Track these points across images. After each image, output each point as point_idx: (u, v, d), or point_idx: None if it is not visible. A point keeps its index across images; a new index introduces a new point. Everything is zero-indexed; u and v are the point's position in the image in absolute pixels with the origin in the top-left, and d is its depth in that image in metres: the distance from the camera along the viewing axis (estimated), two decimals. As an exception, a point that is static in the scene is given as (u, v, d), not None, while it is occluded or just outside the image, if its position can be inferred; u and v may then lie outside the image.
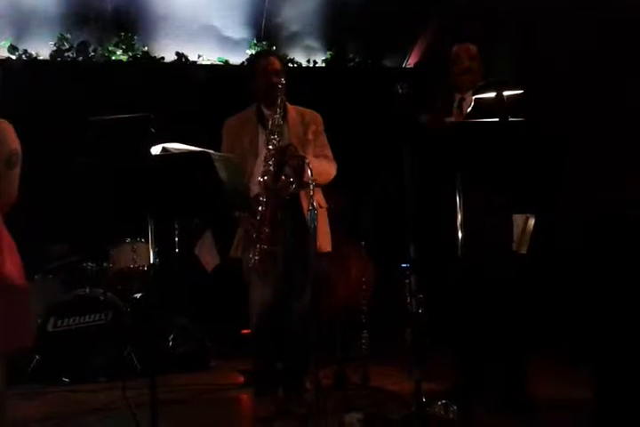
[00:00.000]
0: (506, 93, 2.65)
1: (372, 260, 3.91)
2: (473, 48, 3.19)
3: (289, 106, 3.11)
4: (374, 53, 5.58)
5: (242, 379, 3.84)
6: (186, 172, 2.20)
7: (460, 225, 2.60)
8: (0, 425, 2.38)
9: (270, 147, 2.89)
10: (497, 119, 2.52)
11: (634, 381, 2.56)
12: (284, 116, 3.02)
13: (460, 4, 5.03)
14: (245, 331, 4.70)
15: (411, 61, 5.70)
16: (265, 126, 3.03)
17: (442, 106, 3.20)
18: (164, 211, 2.31)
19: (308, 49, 5.40)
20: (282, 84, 2.98)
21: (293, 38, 5.33)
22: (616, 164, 3.69)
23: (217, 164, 2.17)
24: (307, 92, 3.33)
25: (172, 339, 4.23)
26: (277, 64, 3.10)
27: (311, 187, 2.36)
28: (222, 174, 2.18)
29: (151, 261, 2.40)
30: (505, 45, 4.24)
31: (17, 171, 2.38)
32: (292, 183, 2.77)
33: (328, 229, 3.13)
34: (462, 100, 3.17)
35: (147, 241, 4.44)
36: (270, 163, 2.85)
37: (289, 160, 2.72)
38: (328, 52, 5.49)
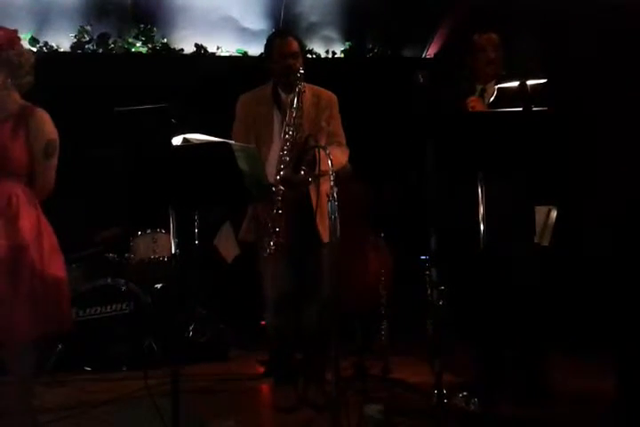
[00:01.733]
0: (529, 83, 2.61)
1: (392, 251, 3.89)
2: (496, 38, 3.15)
3: (305, 86, 2.96)
4: (393, 44, 5.53)
5: (261, 369, 3.86)
6: (206, 162, 2.20)
7: (482, 216, 2.57)
8: (27, 412, 2.43)
9: (287, 137, 2.84)
10: (520, 109, 2.49)
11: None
12: (300, 108, 2.92)
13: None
14: (264, 322, 4.74)
15: (430, 51, 5.65)
16: (280, 109, 2.95)
17: (463, 95, 3.16)
18: (185, 201, 2.31)
19: (327, 40, 5.36)
20: (300, 72, 2.87)
21: (312, 29, 5.29)
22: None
23: (237, 154, 2.16)
24: (325, 82, 3.29)
25: (193, 329, 4.26)
26: (294, 45, 2.96)
27: (331, 177, 2.34)
28: (242, 165, 2.18)
29: (172, 252, 2.41)
30: (527, 34, 4.18)
31: (54, 161, 2.44)
32: (308, 177, 2.74)
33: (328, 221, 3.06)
34: (484, 90, 3.13)
35: (167, 232, 4.52)
36: (286, 153, 2.81)
37: (307, 153, 2.69)
38: (347, 43, 5.45)
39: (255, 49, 5.26)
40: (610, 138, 3.61)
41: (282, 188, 2.75)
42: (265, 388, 3.55)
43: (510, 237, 2.89)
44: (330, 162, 2.34)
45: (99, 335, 4.02)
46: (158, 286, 4.41)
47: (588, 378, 3.22)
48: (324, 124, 2.93)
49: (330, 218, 2.35)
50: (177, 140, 2.25)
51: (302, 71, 2.91)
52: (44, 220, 2.42)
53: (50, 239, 2.41)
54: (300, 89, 2.86)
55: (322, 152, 2.46)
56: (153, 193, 2.28)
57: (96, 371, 3.91)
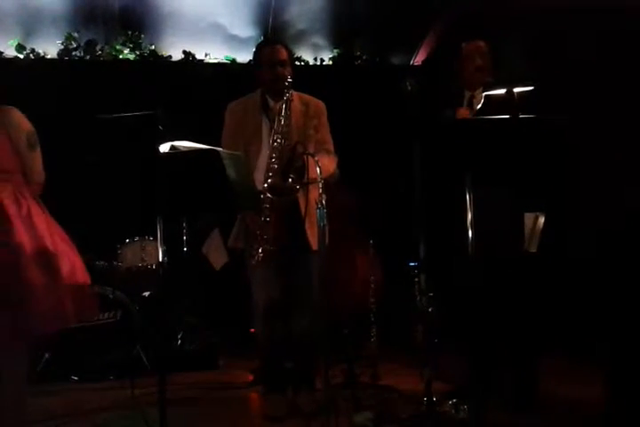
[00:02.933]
0: (516, 90, 2.63)
1: (381, 258, 3.89)
2: (483, 45, 3.16)
3: (294, 94, 2.96)
4: (381, 51, 5.55)
5: (251, 378, 3.84)
6: (194, 169, 2.19)
7: (471, 223, 2.57)
8: (20, 421, 2.43)
9: (275, 145, 2.84)
10: (507, 116, 2.49)
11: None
12: (288, 116, 2.91)
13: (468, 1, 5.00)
14: (254, 329, 4.72)
15: (418, 59, 5.67)
16: (269, 117, 2.95)
17: (452, 103, 3.18)
18: (173, 208, 2.29)
19: (315, 47, 5.37)
20: (289, 80, 2.87)
21: (300, 36, 5.30)
22: (630, 166, 3.66)
23: (225, 162, 2.16)
24: (314, 90, 3.29)
25: (181, 337, 4.23)
26: (283, 54, 2.96)
27: (320, 185, 2.34)
28: (231, 172, 2.17)
29: (160, 260, 2.39)
30: (515, 40, 4.20)
31: (39, 151, 2.52)
32: (296, 185, 2.73)
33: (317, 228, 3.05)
34: (472, 97, 3.15)
35: (155, 239, 4.49)
36: (274, 161, 2.81)
37: (295, 160, 2.68)
38: (335, 50, 5.47)
39: (243, 56, 5.27)
40: (595, 144, 3.64)
41: (270, 195, 2.73)
42: (255, 396, 3.53)
43: (499, 243, 2.89)
44: (318, 169, 2.34)
45: (86, 344, 3.99)
46: (146, 293, 4.38)
47: (577, 384, 3.23)
48: (312, 131, 2.92)
49: (319, 225, 2.34)
50: (164, 148, 2.24)
51: (290, 79, 2.90)
52: (51, 220, 2.53)
53: (59, 232, 2.51)
54: (288, 97, 2.85)
55: (310, 159, 2.46)
56: (141, 200, 2.27)
57: (83, 380, 3.88)
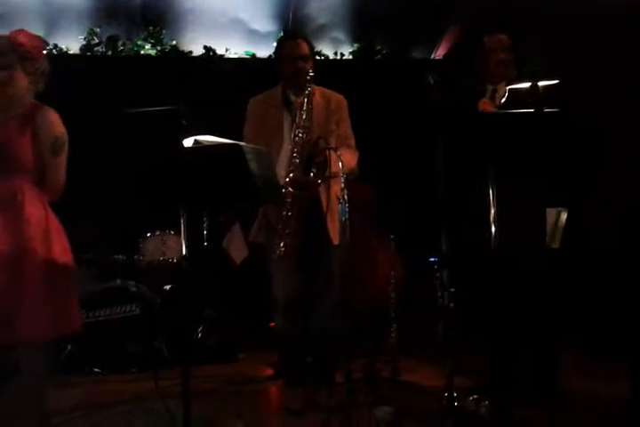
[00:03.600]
0: (540, 84, 2.60)
1: (401, 253, 3.88)
2: (506, 39, 3.14)
3: (315, 89, 2.97)
4: (402, 45, 5.53)
5: (271, 371, 3.85)
6: (217, 164, 2.19)
7: (494, 218, 2.56)
8: (40, 414, 2.43)
9: (297, 140, 2.84)
10: (532, 110, 2.48)
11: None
12: (310, 110, 2.92)
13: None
14: (274, 324, 4.73)
15: (439, 53, 5.64)
16: (290, 111, 2.95)
17: (475, 96, 3.15)
18: (196, 203, 2.30)
19: (335, 41, 5.36)
20: (310, 74, 2.87)
21: (320, 31, 5.29)
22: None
23: (248, 156, 2.16)
24: (334, 84, 3.28)
25: (202, 331, 4.25)
26: (305, 48, 2.96)
27: (342, 180, 2.34)
28: (253, 167, 2.17)
29: (183, 254, 2.41)
30: (535, 35, 4.16)
31: (63, 158, 2.42)
32: (318, 179, 2.74)
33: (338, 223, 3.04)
34: (495, 91, 3.13)
35: (176, 233, 4.53)
36: (296, 155, 2.81)
37: (317, 155, 2.68)
38: (355, 45, 5.45)
39: (263, 51, 5.28)
40: (616, 138, 3.59)
41: (291, 189, 2.74)
42: (274, 390, 3.53)
43: (523, 238, 2.87)
44: (341, 164, 2.34)
45: (108, 337, 4.02)
46: (167, 287, 4.41)
47: (601, 380, 3.19)
48: (333, 126, 2.92)
49: (340, 220, 2.34)
50: (188, 142, 2.25)
51: (312, 73, 2.90)
52: (53, 219, 2.40)
53: (59, 239, 2.39)
54: (309, 91, 2.85)
55: (333, 154, 2.46)
56: (164, 194, 2.28)
57: (106, 373, 3.92)
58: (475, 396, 2.87)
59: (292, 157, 2.80)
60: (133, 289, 4.13)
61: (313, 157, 2.68)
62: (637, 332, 2.72)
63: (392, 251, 3.61)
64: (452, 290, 2.91)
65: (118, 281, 4.18)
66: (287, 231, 2.75)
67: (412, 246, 3.95)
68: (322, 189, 2.80)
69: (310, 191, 2.76)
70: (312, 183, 2.74)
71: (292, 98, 2.99)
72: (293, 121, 2.89)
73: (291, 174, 2.74)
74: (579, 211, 3.32)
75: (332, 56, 5.42)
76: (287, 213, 2.75)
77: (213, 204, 2.39)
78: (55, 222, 2.41)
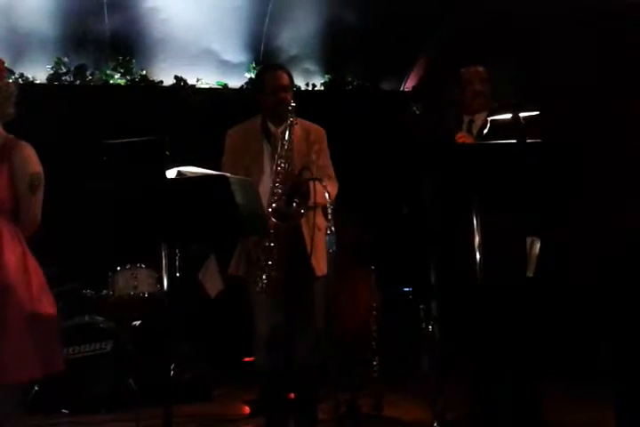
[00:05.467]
0: (521, 115, 2.63)
1: (381, 284, 3.83)
2: (483, 71, 3.17)
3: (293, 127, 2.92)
4: (372, 77, 5.59)
5: (247, 409, 3.74)
6: (203, 195, 2.13)
7: (478, 247, 2.54)
8: None
9: (279, 169, 2.79)
10: (514, 141, 2.48)
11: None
12: (291, 140, 2.86)
13: (458, 27, 5.07)
14: (248, 359, 4.61)
15: (408, 85, 5.71)
16: (270, 142, 2.91)
17: (452, 127, 3.17)
18: (180, 235, 2.23)
19: (307, 72, 5.39)
20: (292, 105, 2.85)
21: (292, 62, 5.30)
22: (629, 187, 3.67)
23: (234, 187, 2.10)
24: (306, 115, 3.26)
25: (174, 368, 4.11)
26: (286, 79, 2.95)
27: (329, 210, 2.29)
28: (239, 199, 2.11)
29: (163, 288, 2.32)
30: (508, 64, 4.23)
31: (40, 196, 2.35)
32: (301, 209, 2.69)
33: (325, 253, 2.99)
34: (471, 121, 3.15)
35: (147, 267, 4.41)
36: (278, 186, 2.76)
37: (301, 185, 2.64)
38: (326, 76, 5.49)
39: (235, 81, 5.27)
40: (596, 167, 3.65)
41: (274, 220, 2.68)
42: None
43: (505, 268, 2.86)
44: (327, 195, 2.30)
45: (76, 376, 3.84)
46: (137, 323, 4.27)
47: (585, 411, 3.17)
48: (313, 156, 2.89)
49: (328, 252, 2.29)
50: (171, 173, 2.18)
51: (294, 104, 2.88)
52: (30, 256, 2.32)
53: (37, 276, 2.31)
54: (291, 121, 2.82)
55: (318, 185, 2.42)
56: (147, 226, 2.19)
57: (74, 413, 3.74)
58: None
59: (274, 188, 2.74)
60: (103, 325, 3.98)
61: (296, 188, 2.63)
62: (619, 360, 2.72)
63: (372, 282, 3.56)
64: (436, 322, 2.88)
65: (86, 317, 4.02)
66: (270, 263, 2.68)
67: (388, 277, 3.91)
68: (304, 220, 2.75)
69: (293, 222, 2.70)
70: (295, 213, 2.68)
71: (272, 128, 2.95)
72: (273, 152, 2.84)
73: (273, 204, 2.68)
74: (553, 240, 3.34)
75: (303, 87, 5.43)
76: (269, 243, 2.68)
77: (197, 236, 2.31)
78: (32, 261, 2.33)
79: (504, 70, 4.01)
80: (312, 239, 2.70)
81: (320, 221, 2.80)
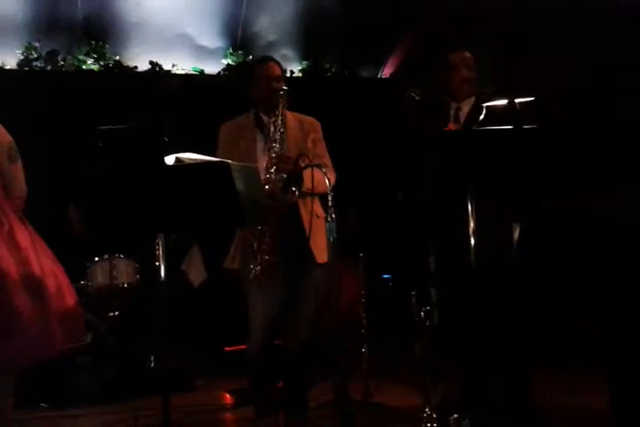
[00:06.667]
0: (517, 101, 2.63)
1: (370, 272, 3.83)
2: (470, 57, 3.16)
3: (287, 113, 2.97)
4: (350, 64, 5.55)
5: (230, 399, 3.71)
6: (203, 183, 2.07)
7: (473, 233, 2.55)
8: None
9: (273, 155, 2.78)
10: (511, 127, 2.49)
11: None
12: (284, 124, 2.90)
13: (436, 17, 5.06)
14: (230, 348, 4.57)
15: (386, 72, 5.70)
16: (263, 133, 2.92)
17: (439, 114, 3.16)
18: (178, 225, 2.17)
19: (285, 59, 5.30)
20: (283, 91, 2.88)
21: (269, 48, 5.24)
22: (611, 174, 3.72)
23: (235, 175, 2.05)
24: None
25: (154, 359, 4.04)
26: (278, 69, 3.00)
27: (330, 197, 2.27)
28: (239, 186, 2.07)
29: (162, 278, 2.27)
30: (486, 52, 4.24)
31: (20, 164, 2.47)
32: (294, 193, 2.67)
33: (324, 241, 3.00)
34: (459, 109, 3.14)
35: (126, 257, 4.32)
36: (272, 171, 2.75)
37: (296, 173, 2.62)
38: (304, 62, 5.44)
39: (212, 67, 5.17)
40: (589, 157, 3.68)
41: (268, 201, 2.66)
42: (234, 419, 3.39)
43: (496, 253, 2.87)
44: (327, 181, 2.27)
45: (55, 369, 3.75)
46: (115, 313, 4.19)
47: (579, 395, 3.21)
48: (309, 145, 2.89)
49: (328, 239, 2.26)
50: (169, 160, 2.12)
51: (285, 88, 2.87)
52: (33, 233, 2.43)
53: (45, 250, 2.43)
54: (283, 106, 2.82)
55: (317, 172, 2.39)
56: (144, 215, 2.13)
57: (53, 407, 3.66)
58: (455, 416, 2.83)
59: (267, 171, 2.72)
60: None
61: (293, 175, 2.60)
62: (612, 343, 2.76)
63: (361, 269, 3.55)
64: (428, 308, 2.88)
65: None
66: (263, 248, 2.65)
67: (375, 264, 3.91)
68: (302, 207, 2.73)
69: (287, 202, 2.68)
70: (289, 195, 2.66)
71: (265, 119, 2.95)
72: (267, 140, 2.84)
73: (267, 186, 2.66)
74: (535, 226, 3.37)
75: (281, 73, 5.36)
76: (261, 227, 2.66)
77: (195, 226, 2.25)
78: (36, 235, 2.44)
79: (481, 57, 4.03)
80: (310, 226, 2.68)
81: (318, 207, 2.80)
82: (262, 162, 2.83)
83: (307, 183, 2.70)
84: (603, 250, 2.82)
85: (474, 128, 2.86)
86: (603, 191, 3.62)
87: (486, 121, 2.83)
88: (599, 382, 2.68)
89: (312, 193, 2.63)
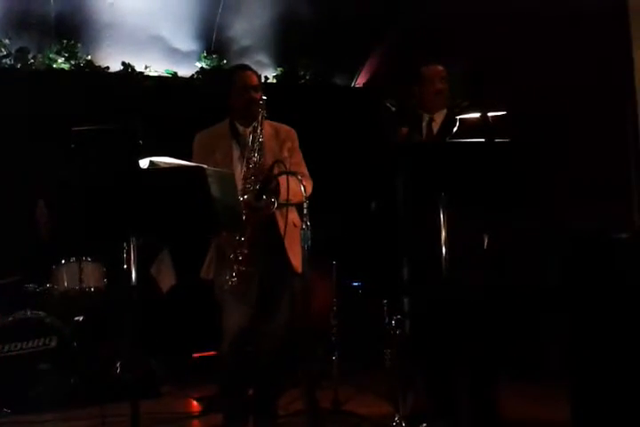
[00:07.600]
0: (490, 115, 2.67)
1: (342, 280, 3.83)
2: (443, 69, 3.20)
3: (265, 122, 2.94)
4: (324, 71, 5.56)
5: (198, 406, 3.67)
6: (177, 187, 2.05)
7: (445, 243, 2.57)
8: None
9: (250, 165, 2.76)
10: (483, 139, 2.52)
11: (612, 401, 2.59)
12: (262, 134, 2.88)
13: (410, 26, 5.11)
14: (197, 355, 4.53)
15: (359, 81, 5.72)
16: (239, 143, 2.90)
17: (411, 125, 3.19)
18: (150, 229, 2.14)
19: (259, 64, 5.29)
20: (263, 101, 2.86)
21: (244, 53, 5.22)
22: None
23: (210, 179, 2.03)
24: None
25: (120, 364, 3.98)
26: (255, 79, 2.97)
27: (305, 205, 2.26)
28: (215, 192, 2.05)
29: (133, 283, 2.23)
30: (457, 66, 4.30)
31: None
32: (272, 203, 2.65)
33: (300, 249, 2.99)
34: (431, 120, 3.17)
35: (94, 260, 4.24)
36: (249, 181, 2.73)
37: (271, 180, 2.60)
38: (279, 69, 5.43)
39: (185, 70, 5.13)
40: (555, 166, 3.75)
41: (245, 211, 2.64)
42: (201, 426, 3.33)
43: (467, 264, 2.90)
44: (303, 188, 2.26)
45: (18, 374, 3.68)
46: (79, 318, 4.11)
47: (543, 406, 3.25)
48: (286, 153, 2.88)
49: (302, 247, 2.26)
50: (143, 164, 2.09)
51: (265, 98, 2.86)
52: None
53: None
54: (262, 116, 2.80)
55: (293, 179, 2.38)
56: (115, 219, 2.09)
57: (16, 413, 3.58)
58: (424, 425, 2.84)
59: (245, 182, 2.70)
60: (47, 321, 3.81)
61: (267, 182, 2.59)
62: (574, 355, 2.80)
63: (333, 276, 3.55)
64: (399, 316, 2.90)
65: (28, 312, 3.84)
66: (240, 258, 2.63)
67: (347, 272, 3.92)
68: (279, 216, 2.71)
69: (265, 213, 2.66)
70: (266, 205, 2.64)
71: (241, 129, 2.93)
72: (243, 151, 2.82)
73: (244, 197, 2.64)
74: (501, 237, 3.41)
75: (255, 79, 5.34)
76: (239, 238, 2.63)
77: (168, 231, 2.22)
78: None
79: (454, 69, 4.08)
80: (287, 235, 2.67)
81: (294, 217, 2.79)
82: (238, 171, 2.80)
83: (283, 194, 2.70)
84: (569, 262, 2.87)
85: (447, 140, 2.88)
86: (572, 205, 3.68)
87: (459, 133, 2.86)
88: (562, 394, 2.72)
89: (287, 203, 2.62)
